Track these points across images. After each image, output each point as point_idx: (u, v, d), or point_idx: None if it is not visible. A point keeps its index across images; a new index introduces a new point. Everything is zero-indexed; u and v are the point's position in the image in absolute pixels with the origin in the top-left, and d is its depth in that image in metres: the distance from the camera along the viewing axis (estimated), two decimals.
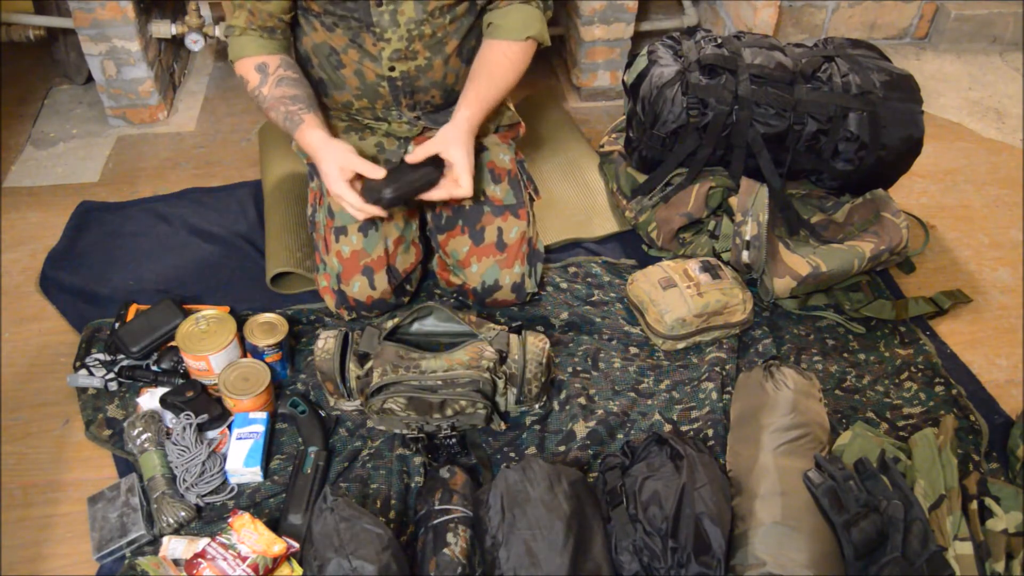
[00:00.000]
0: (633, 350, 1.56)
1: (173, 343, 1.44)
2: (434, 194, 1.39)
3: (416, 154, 1.37)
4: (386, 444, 1.36)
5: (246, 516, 1.15)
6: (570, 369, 1.50)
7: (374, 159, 1.57)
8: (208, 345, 1.38)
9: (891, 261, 1.70)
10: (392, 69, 1.47)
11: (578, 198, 1.90)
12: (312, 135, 1.39)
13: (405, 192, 1.36)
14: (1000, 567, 1.14)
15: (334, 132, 1.58)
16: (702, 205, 1.66)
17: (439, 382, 1.30)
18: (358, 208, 1.35)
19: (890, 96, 1.64)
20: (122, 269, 1.69)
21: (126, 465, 1.33)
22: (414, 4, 1.41)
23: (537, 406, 1.43)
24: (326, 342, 1.35)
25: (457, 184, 1.38)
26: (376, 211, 1.36)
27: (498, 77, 1.45)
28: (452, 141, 1.38)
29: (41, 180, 1.96)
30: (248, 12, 1.42)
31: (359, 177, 1.37)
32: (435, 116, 1.56)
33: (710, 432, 1.37)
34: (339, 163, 1.35)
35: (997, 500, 1.21)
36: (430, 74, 1.50)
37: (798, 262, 1.58)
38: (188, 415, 1.31)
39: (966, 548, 1.13)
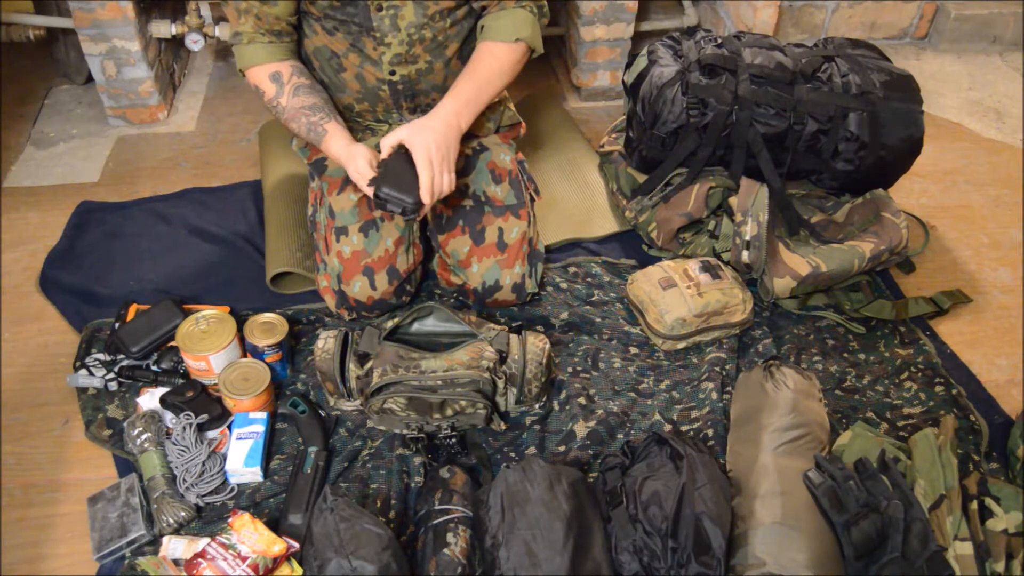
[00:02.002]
0: (633, 350, 1.56)
1: (173, 343, 1.44)
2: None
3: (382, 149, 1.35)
4: (386, 444, 1.36)
5: (246, 516, 1.15)
6: (570, 369, 1.50)
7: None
8: (208, 345, 1.38)
9: (891, 261, 1.70)
10: (393, 73, 1.47)
11: (578, 198, 1.90)
12: (335, 144, 1.42)
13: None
14: (1000, 567, 1.14)
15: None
16: (702, 205, 1.66)
17: (439, 382, 1.30)
18: (367, 190, 1.36)
19: (890, 96, 1.64)
20: (122, 269, 1.69)
21: (126, 465, 1.33)
22: (414, 8, 1.41)
23: (537, 406, 1.43)
24: (326, 342, 1.35)
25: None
26: None
27: (480, 74, 1.43)
28: (411, 131, 1.34)
29: (41, 180, 1.96)
30: (255, 17, 1.42)
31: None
32: None
33: (710, 432, 1.37)
34: (366, 157, 1.36)
35: (997, 500, 1.21)
36: (431, 77, 1.50)
37: (798, 262, 1.58)
38: (188, 415, 1.31)
39: (966, 548, 1.13)
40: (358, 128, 1.59)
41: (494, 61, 1.45)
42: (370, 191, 1.34)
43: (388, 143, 1.35)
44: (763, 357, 1.52)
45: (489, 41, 1.45)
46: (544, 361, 1.36)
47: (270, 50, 1.45)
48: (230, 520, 1.15)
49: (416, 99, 1.52)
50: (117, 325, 1.50)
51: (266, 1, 1.39)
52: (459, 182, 1.55)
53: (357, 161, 1.37)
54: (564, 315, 1.60)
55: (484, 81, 1.44)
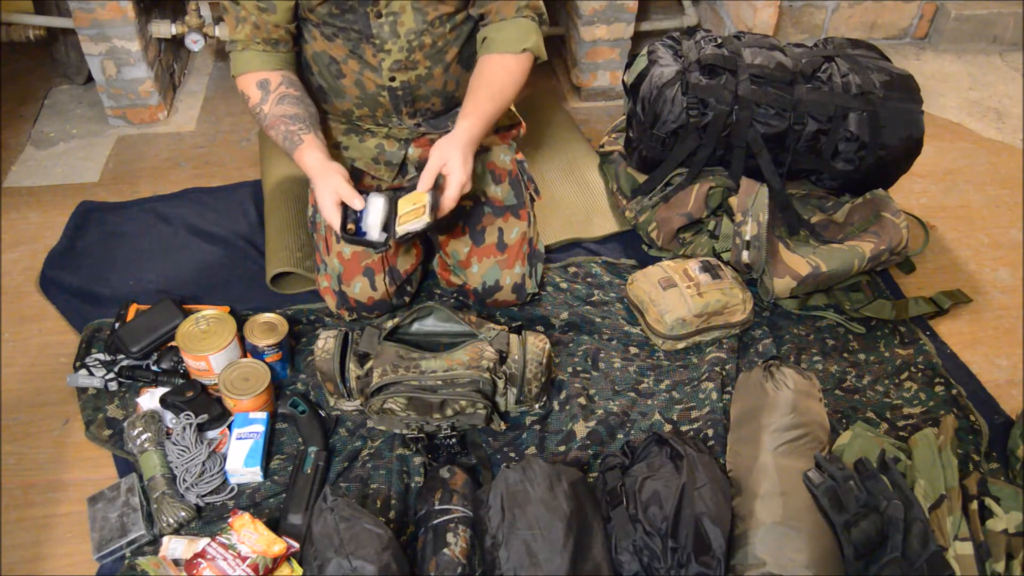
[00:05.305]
0: (633, 350, 1.56)
1: (173, 343, 1.44)
2: (445, 207, 1.34)
3: (422, 181, 1.32)
4: (386, 444, 1.36)
5: (246, 516, 1.15)
6: (570, 369, 1.50)
7: (375, 160, 1.57)
8: (208, 345, 1.38)
9: (891, 261, 1.70)
10: (393, 79, 1.47)
11: (578, 198, 1.90)
12: (310, 157, 1.37)
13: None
14: (1000, 567, 1.13)
15: (335, 135, 1.58)
16: (702, 205, 1.66)
17: (439, 382, 1.30)
18: (339, 234, 1.34)
19: (890, 96, 1.64)
20: (122, 269, 1.69)
21: (126, 465, 1.33)
22: (414, 14, 1.40)
23: (537, 406, 1.43)
24: (326, 342, 1.35)
25: (452, 188, 1.33)
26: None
27: (497, 91, 1.42)
28: (448, 153, 1.33)
29: (41, 180, 1.96)
30: (253, 26, 1.41)
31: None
32: (435, 122, 1.56)
33: (710, 432, 1.37)
34: (331, 189, 1.33)
35: (997, 500, 1.21)
36: (431, 83, 1.49)
37: (798, 262, 1.58)
38: (188, 415, 1.31)
39: (966, 548, 1.13)
40: (358, 131, 1.59)
41: (507, 74, 1.44)
42: (337, 225, 1.32)
43: (431, 174, 1.32)
44: (763, 357, 1.52)
45: (497, 54, 1.44)
46: (544, 361, 1.36)
47: (263, 58, 1.44)
48: (230, 520, 1.15)
49: (416, 104, 1.52)
50: (117, 325, 1.50)
51: (264, 9, 1.39)
52: None
53: (332, 178, 1.32)
54: (564, 315, 1.60)
55: (499, 95, 1.43)
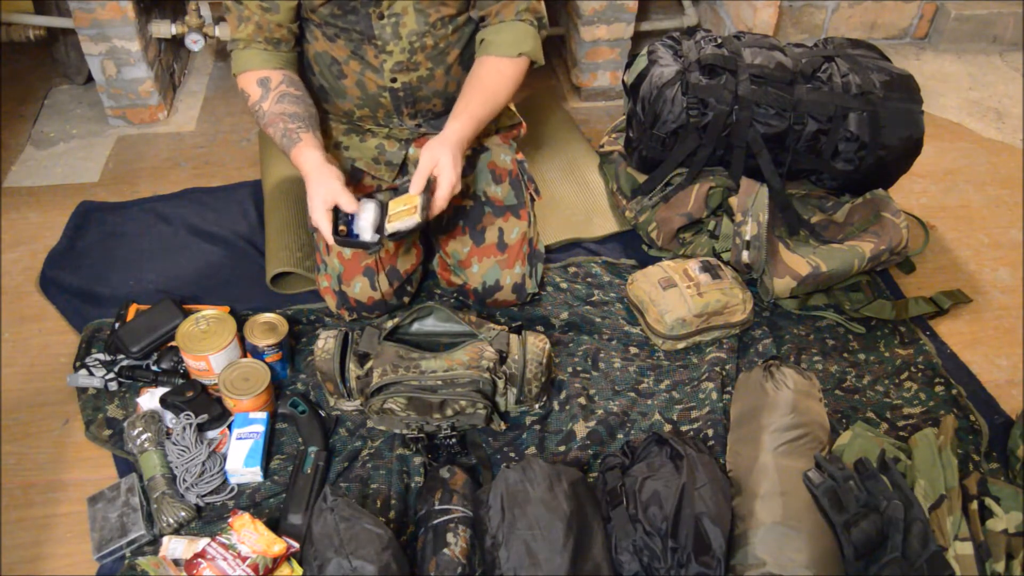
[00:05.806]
0: (633, 350, 1.56)
1: (173, 343, 1.44)
2: (436, 207, 1.35)
3: (414, 184, 1.33)
4: (386, 444, 1.36)
5: (246, 516, 1.15)
6: (570, 369, 1.50)
7: (376, 160, 1.57)
8: (208, 345, 1.38)
9: (891, 261, 1.70)
10: (394, 80, 1.47)
11: (578, 198, 1.90)
12: (307, 156, 1.36)
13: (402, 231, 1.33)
14: (1000, 567, 1.14)
15: (335, 135, 1.58)
16: (702, 205, 1.66)
17: (439, 382, 1.30)
18: (328, 240, 1.33)
19: (890, 96, 1.64)
20: (122, 269, 1.69)
21: (126, 465, 1.33)
22: (416, 16, 1.41)
23: (537, 406, 1.43)
24: (326, 342, 1.35)
25: (443, 189, 1.34)
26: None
27: (490, 93, 1.43)
28: (438, 154, 1.33)
29: (41, 180, 1.96)
30: (256, 25, 1.41)
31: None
32: (436, 122, 1.56)
33: (710, 432, 1.37)
34: (324, 194, 1.32)
35: (997, 500, 1.21)
36: (432, 84, 1.49)
37: (798, 262, 1.58)
38: (188, 415, 1.31)
39: (966, 548, 1.13)
40: (359, 131, 1.59)
41: (501, 78, 1.44)
42: (327, 230, 1.31)
43: (423, 177, 1.32)
44: (763, 357, 1.52)
45: (493, 56, 1.45)
46: (544, 361, 1.36)
47: (265, 57, 1.44)
48: (230, 520, 1.15)
49: (417, 105, 1.52)
50: (117, 325, 1.50)
51: (267, 9, 1.39)
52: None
53: (329, 183, 1.31)
54: (564, 315, 1.60)
55: (492, 98, 1.43)
